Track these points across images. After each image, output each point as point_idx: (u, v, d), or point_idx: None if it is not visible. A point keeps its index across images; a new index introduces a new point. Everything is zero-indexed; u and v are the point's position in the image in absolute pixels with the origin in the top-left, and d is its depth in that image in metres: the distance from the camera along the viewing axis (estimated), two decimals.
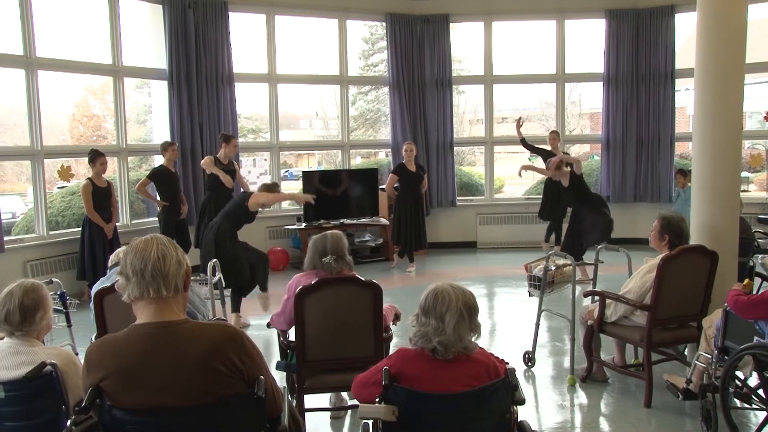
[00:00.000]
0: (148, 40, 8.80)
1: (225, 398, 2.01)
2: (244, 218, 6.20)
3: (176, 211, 7.86)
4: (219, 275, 5.22)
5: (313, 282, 3.47)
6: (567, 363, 4.69)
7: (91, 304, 3.41)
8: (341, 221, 9.20)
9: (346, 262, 3.69)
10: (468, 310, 2.31)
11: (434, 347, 2.30)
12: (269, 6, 9.29)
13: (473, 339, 2.34)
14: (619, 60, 9.92)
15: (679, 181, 9.07)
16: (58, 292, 4.30)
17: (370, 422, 2.32)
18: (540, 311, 4.94)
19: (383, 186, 9.50)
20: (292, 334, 3.67)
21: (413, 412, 2.23)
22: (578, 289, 5.00)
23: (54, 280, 4.40)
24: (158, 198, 7.79)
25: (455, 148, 10.40)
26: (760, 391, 3.42)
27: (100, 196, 7.17)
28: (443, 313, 2.29)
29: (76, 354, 3.76)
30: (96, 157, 7.20)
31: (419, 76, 9.96)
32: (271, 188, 6.28)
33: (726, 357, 3.55)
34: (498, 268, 8.71)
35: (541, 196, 9.22)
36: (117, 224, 7.50)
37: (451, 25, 10.12)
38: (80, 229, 7.36)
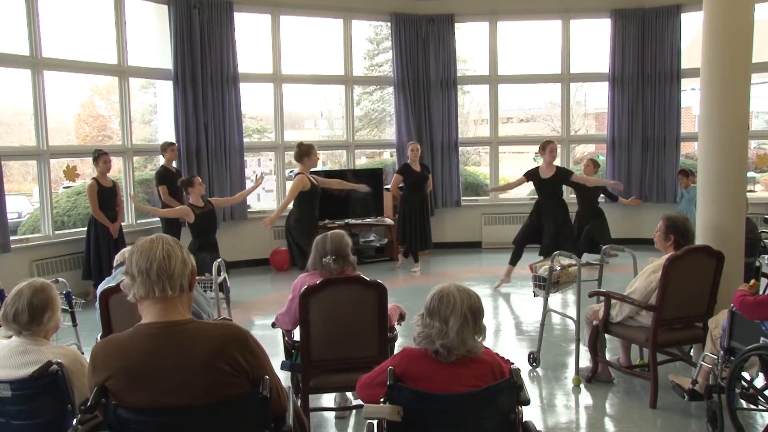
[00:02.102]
0: (153, 40, 8.82)
1: (230, 398, 2.01)
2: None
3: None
4: (224, 275, 5.23)
5: (317, 282, 3.47)
6: (572, 363, 4.68)
7: (97, 304, 3.42)
8: (346, 221, 9.20)
9: (349, 261, 3.68)
10: (473, 313, 2.31)
11: (437, 349, 2.30)
12: (274, 6, 9.30)
13: (479, 341, 2.33)
14: (624, 60, 9.89)
15: (681, 182, 9.06)
16: (64, 292, 4.32)
17: (375, 422, 2.31)
18: (545, 311, 4.93)
19: (388, 186, 9.50)
20: (296, 334, 3.67)
21: (418, 412, 2.23)
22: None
23: (60, 279, 4.42)
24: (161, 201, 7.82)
25: (460, 148, 10.38)
26: (767, 392, 3.41)
27: (106, 195, 7.19)
28: (447, 316, 2.28)
29: (82, 353, 3.77)
30: (99, 156, 7.23)
31: (424, 76, 9.95)
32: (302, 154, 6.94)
33: (732, 358, 3.54)
34: (503, 268, 8.66)
35: None
36: (122, 224, 7.52)
37: (456, 25, 10.10)
38: (86, 228, 7.38)
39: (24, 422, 2.57)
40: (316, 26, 14.64)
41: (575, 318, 4.70)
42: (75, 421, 1.98)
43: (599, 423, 4.10)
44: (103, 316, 3.36)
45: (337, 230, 3.79)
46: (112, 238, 7.16)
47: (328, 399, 4.22)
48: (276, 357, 4.62)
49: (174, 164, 8.06)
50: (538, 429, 2.37)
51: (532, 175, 7.39)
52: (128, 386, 1.97)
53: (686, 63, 9.70)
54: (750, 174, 12.34)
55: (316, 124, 24.32)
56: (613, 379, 4.56)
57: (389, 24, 10.03)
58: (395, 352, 3.27)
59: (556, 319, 6.00)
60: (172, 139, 8.47)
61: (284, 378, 3.23)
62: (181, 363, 1.98)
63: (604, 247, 5.13)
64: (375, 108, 21.31)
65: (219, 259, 5.29)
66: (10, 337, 2.71)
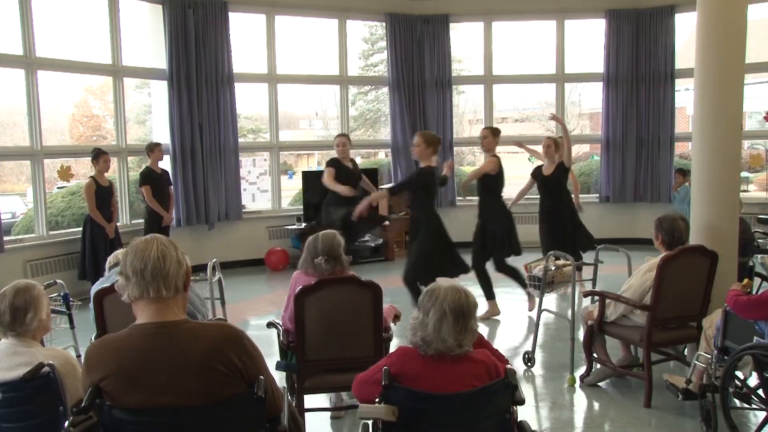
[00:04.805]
0: (147, 40, 8.80)
1: (225, 398, 2.01)
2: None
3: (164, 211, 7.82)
4: (219, 275, 5.22)
5: (313, 282, 3.46)
6: (567, 363, 4.69)
7: (91, 305, 3.41)
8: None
9: (341, 262, 3.67)
10: (454, 311, 2.28)
11: (418, 342, 2.32)
12: (269, 6, 9.28)
13: (463, 340, 2.30)
14: (619, 60, 9.92)
15: (677, 181, 9.11)
16: (62, 294, 4.29)
17: (370, 422, 2.31)
18: (540, 311, 4.94)
19: (383, 186, 9.48)
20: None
21: (413, 412, 2.23)
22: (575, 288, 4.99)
23: (58, 281, 4.37)
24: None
25: (455, 148, 10.40)
26: (760, 391, 3.42)
27: (103, 195, 7.15)
28: (428, 309, 2.31)
29: (78, 356, 3.75)
30: (99, 155, 7.19)
31: (419, 76, 9.96)
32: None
33: (726, 357, 3.55)
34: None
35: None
36: (117, 224, 7.48)
37: (451, 25, 10.12)
38: (80, 228, 7.35)
39: (16, 425, 2.56)
40: (311, 26, 14.64)
41: (570, 318, 4.71)
42: (67, 423, 1.98)
43: (594, 422, 4.11)
44: (98, 317, 3.34)
45: (329, 230, 3.77)
46: (107, 237, 7.12)
47: (324, 399, 4.22)
48: (271, 357, 4.61)
49: (160, 165, 7.98)
50: (533, 429, 2.38)
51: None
52: (123, 387, 1.96)
53: (680, 63, 9.75)
54: (744, 174, 12.39)
55: (312, 124, 24.31)
56: (608, 378, 4.57)
57: (384, 24, 10.04)
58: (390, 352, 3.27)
59: (550, 318, 6.01)
60: (167, 139, 8.45)
61: (279, 378, 3.22)
62: (175, 363, 1.97)
63: (599, 247, 5.14)
64: (370, 108, 21.31)
65: (214, 260, 5.27)
66: None
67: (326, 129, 22.24)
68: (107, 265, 3.87)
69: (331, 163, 6.88)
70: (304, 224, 9.13)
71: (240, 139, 9.39)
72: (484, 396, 2.25)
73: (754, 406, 3.51)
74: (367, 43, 20.38)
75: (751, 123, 15.52)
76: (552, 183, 6.82)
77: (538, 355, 4.99)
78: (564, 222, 6.82)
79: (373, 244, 9.57)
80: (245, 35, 10.44)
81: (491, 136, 6.45)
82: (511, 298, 7.21)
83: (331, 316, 3.46)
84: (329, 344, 3.50)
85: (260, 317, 6.47)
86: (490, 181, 6.49)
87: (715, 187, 4.64)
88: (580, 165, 13.86)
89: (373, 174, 9.86)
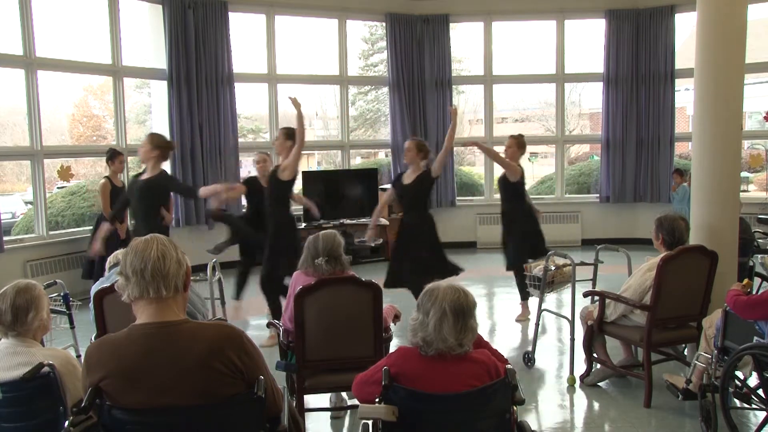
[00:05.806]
0: (147, 40, 8.81)
1: (225, 398, 2.01)
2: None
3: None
4: (219, 275, 5.22)
5: (312, 282, 3.46)
6: (567, 363, 4.69)
7: (91, 305, 3.41)
8: (341, 221, 9.19)
9: (341, 262, 3.67)
10: (454, 310, 2.28)
11: (419, 343, 2.32)
12: (269, 6, 9.29)
13: (463, 340, 2.30)
14: (618, 60, 9.92)
15: (675, 181, 9.12)
16: (62, 294, 4.29)
17: (370, 422, 2.31)
18: (540, 311, 4.93)
19: (383, 186, 9.49)
20: None
21: (413, 412, 2.23)
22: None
23: (58, 281, 4.37)
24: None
25: (455, 148, 10.40)
26: (760, 391, 3.42)
27: (117, 195, 7.12)
28: (428, 309, 2.31)
29: (78, 356, 3.74)
30: (115, 155, 7.16)
31: (419, 76, 9.97)
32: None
33: (726, 357, 3.55)
34: (498, 268, 8.67)
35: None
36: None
37: (451, 25, 10.13)
38: (80, 228, 7.32)
39: (16, 425, 2.56)
40: (311, 26, 14.65)
41: (570, 318, 4.71)
42: (67, 423, 1.98)
43: (594, 422, 4.11)
44: (98, 317, 3.34)
45: (329, 230, 3.77)
46: (119, 238, 7.07)
47: (324, 399, 4.22)
48: (271, 357, 4.61)
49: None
50: (533, 429, 2.38)
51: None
52: (123, 387, 1.97)
53: (680, 63, 9.75)
54: (743, 174, 12.40)
55: (311, 124, 24.29)
56: (608, 378, 4.57)
57: (384, 24, 10.05)
58: (390, 352, 3.27)
59: (551, 318, 6.00)
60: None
61: (279, 378, 3.22)
62: (175, 363, 1.97)
63: (599, 247, 5.14)
64: (370, 108, 21.32)
65: (214, 260, 5.28)
66: None
67: (326, 129, 22.23)
68: (107, 265, 3.87)
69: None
70: (304, 224, 9.13)
71: (240, 139, 9.39)
72: (484, 396, 2.25)
73: (754, 406, 3.51)
74: (367, 43, 20.39)
75: (751, 123, 15.53)
76: (409, 195, 5.58)
77: (538, 355, 4.99)
78: (422, 248, 5.53)
79: (372, 244, 9.57)
80: (245, 35, 10.46)
81: (283, 138, 5.64)
82: (511, 298, 7.21)
83: (331, 316, 3.46)
84: (329, 344, 3.50)
85: (260, 317, 6.46)
86: (278, 187, 5.49)
87: (715, 187, 4.64)
88: (580, 165, 13.88)
89: (373, 174, 9.89)
